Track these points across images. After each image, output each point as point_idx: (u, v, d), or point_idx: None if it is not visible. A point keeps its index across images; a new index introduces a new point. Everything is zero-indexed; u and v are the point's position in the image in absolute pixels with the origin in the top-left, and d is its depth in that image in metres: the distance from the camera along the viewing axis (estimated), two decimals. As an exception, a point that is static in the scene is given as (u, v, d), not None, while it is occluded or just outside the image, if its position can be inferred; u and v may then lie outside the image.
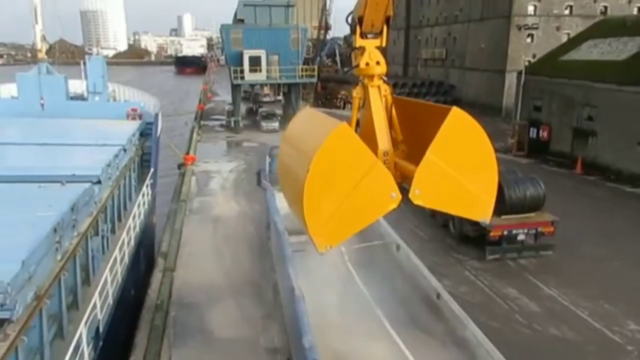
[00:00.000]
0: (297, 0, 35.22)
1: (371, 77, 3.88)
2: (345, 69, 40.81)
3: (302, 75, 31.85)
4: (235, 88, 31.55)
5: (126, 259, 9.66)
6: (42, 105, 15.73)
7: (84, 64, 17.42)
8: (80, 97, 17.75)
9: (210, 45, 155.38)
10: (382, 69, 3.90)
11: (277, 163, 4.26)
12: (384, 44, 3.93)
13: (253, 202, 16.41)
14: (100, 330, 7.58)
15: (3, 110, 15.06)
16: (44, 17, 16.88)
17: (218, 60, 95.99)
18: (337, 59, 60.16)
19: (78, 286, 7.82)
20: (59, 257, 7.04)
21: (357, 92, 3.99)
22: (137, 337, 8.80)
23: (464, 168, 3.42)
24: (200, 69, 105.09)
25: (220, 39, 44.38)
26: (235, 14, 33.16)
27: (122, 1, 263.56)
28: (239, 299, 10.34)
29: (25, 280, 5.51)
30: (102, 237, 9.50)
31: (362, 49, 3.88)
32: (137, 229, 11.22)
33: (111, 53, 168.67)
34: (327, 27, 44.45)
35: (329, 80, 47.20)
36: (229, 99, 36.06)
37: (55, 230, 6.91)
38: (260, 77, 31.11)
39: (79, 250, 7.82)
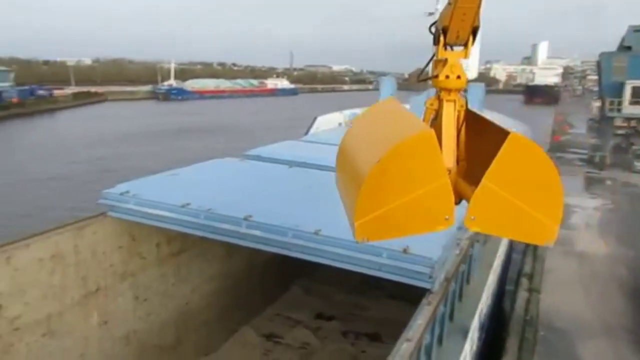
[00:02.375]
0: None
1: (449, 90, 3.52)
2: None
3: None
4: (606, 121, 28.97)
5: (498, 269, 10.37)
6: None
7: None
8: (457, 119, 19.73)
9: (566, 74, 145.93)
10: (461, 83, 3.53)
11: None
12: (468, 57, 3.55)
13: (625, 246, 14.94)
14: (482, 322, 8.43)
15: None
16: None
17: (574, 90, 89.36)
18: None
19: (464, 280, 8.92)
20: (457, 252, 8.23)
21: (431, 103, 3.67)
22: (507, 342, 9.39)
23: (524, 193, 3.13)
24: (551, 98, 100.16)
25: (581, 68, 41.05)
26: (622, 40, 30.36)
27: (479, 33, 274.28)
28: (611, 339, 9.72)
29: (442, 263, 6.72)
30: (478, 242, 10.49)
31: (444, 61, 3.54)
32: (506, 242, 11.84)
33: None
34: None
35: None
36: (584, 132, 33.20)
37: (458, 228, 8.10)
38: (643, 110, 27.58)
39: (470, 250, 8.90)
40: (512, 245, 13.33)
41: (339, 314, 11.85)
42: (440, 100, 3.53)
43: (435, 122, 3.55)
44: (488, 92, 20.35)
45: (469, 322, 6.80)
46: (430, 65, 3.67)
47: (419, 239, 5.81)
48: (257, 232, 6.16)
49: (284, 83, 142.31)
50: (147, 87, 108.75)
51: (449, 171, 3.36)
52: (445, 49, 3.49)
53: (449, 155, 3.45)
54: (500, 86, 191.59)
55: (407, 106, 19.01)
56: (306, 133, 14.48)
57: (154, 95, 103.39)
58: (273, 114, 66.36)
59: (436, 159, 3.06)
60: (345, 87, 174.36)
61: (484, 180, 3.04)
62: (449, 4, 3.36)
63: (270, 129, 49.47)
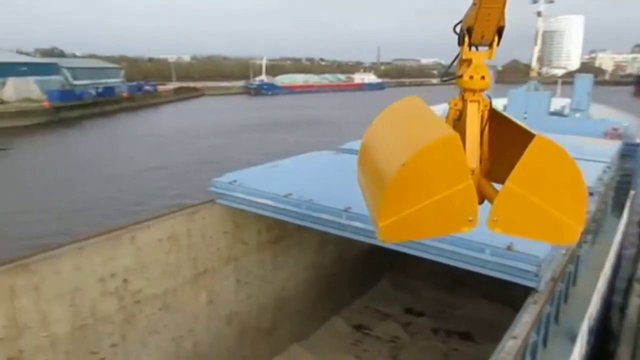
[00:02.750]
0: None
1: (473, 91, 3.45)
2: None
3: None
4: None
5: (608, 272, 9.71)
6: (525, 119, 17.33)
7: (565, 83, 18.15)
8: (559, 114, 18.63)
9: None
10: (486, 84, 3.44)
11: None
12: (493, 57, 3.47)
13: None
14: (591, 327, 7.97)
15: None
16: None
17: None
18: None
19: (570, 281, 8.47)
20: (563, 252, 7.82)
21: (455, 103, 3.61)
22: (618, 350, 8.82)
23: (548, 195, 3.12)
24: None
25: None
26: None
27: (582, 20, 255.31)
28: None
29: (549, 262, 6.44)
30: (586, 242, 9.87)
31: (469, 61, 3.44)
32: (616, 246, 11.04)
33: (560, 72, 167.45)
34: None
35: None
36: None
37: None
38: None
39: (577, 250, 8.42)
40: (622, 248, 12.40)
41: (429, 310, 11.75)
42: (464, 101, 3.51)
43: (459, 122, 3.55)
44: (594, 83, 19.00)
45: (576, 325, 6.51)
46: (456, 64, 3.64)
47: (524, 236, 5.68)
48: (357, 224, 6.31)
49: (371, 77, 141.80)
50: (240, 83, 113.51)
51: (472, 172, 3.35)
52: (470, 49, 3.46)
53: (472, 156, 3.44)
54: (607, 77, 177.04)
55: (504, 101, 18.16)
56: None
57: (247, 90, 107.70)
58: (361, 108, 66.40)
59: (460, 161, 3.07)
60: (434, 80, 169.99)
61: (507, 182, 3.03)
62: (474, 4, 3.33)
63: (357, 122, 49.58)
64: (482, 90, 3.47)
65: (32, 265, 5.61)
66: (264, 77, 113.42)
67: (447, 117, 3.61)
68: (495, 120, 3.56)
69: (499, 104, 20.06)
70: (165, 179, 28.86)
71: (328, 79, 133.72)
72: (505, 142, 3.45)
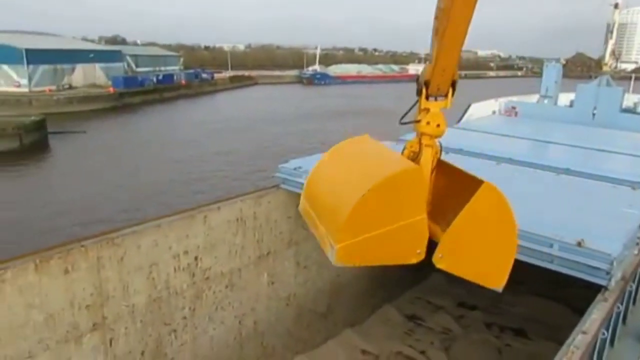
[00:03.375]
0: None
1: (429, 136, 3.82)
2: None
3: None
4: None
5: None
6: (594, 115, 16.67)
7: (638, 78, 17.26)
8: (631, 111, 17.79)
9: None
10: (441, 131, 3.84)
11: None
12: (448, 106, 3.86)
13: None
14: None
15: (557, 116, 16.87)
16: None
17: None
18: None
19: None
20: (635, 252, 7.59)
21: (411, 145, 3.96)
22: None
23: (486, 240, 3.52)
24: None
25: None
26: None
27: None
28: None
29: (620, 261, 6.29)
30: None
31: (427, 110, 3.84)
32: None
33: (630, 67, 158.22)
34: None
35: None
36: None
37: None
38: None
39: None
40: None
41: (482, 305, 11.68)
42: (420, 144, 3.88)
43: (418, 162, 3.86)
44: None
45: None
46: (415, 108, 4.00)
47: (594, 232, 5.62)
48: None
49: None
50: (294, 72, 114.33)
51: None
52: (428, 99, 3.83)
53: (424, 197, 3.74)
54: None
55: (571, 96, 17.36)
56: (459, 120, 14.31)
57: (299, 80, 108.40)
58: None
59: (421, 193, 3.41)
60: (491, 73, 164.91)
61: (455, 222, 3.40)
62: (430, 61, 3.70)
63: None
64: (437, 137, 3.86)
65: (117, 239, 6.09)
66: (317, 67, 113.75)
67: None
68: (445, 169, 4.00)
69: (565, 99, 19.39)
70: (227, 163, 29.78)
71: (381, 69, 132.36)
72: (450, 188, 3.89)
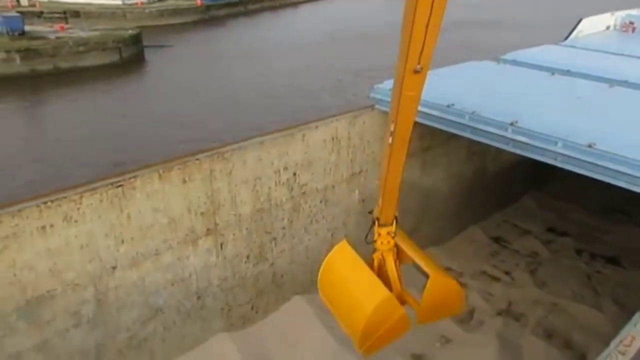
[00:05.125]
0: None
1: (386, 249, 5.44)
2: None
3: None
4: None
5: None
6: None
7: None
8: None
9: None
10: (392, 244, 5.43)
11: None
12: (395, 232, 5.38)
13: None
14: None
15: None
16: None
17: None
18: None
19: None
20: None
21: (376, 256, 5.54)
22: None
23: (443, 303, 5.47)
24: None
25: None
26: None
27: None
28: None
29: None
30: None
31: (379, 234, 5.37)
32: None
33: None
34: None
35: None
36: None
37: None
38: None
39: None
40: None
41: (574, 232, 11.44)
42: (382, 253, 5.45)
43: (384, 266, 5.49)
44: None
45: None
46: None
47: None
48: (523, 138, 6.27)
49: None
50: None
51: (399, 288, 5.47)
52: (379, 226, 5.32)
53: (396, 280, 5.47)
54: None
55: None
56: (567, 37, 13.10)
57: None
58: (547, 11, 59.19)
59: (395, 306, 5.08)
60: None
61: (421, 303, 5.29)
62: (378, 205, 5.20)
63: (545, 26, 44.79)
64: (390, 249, 5.43)
65: (226, 154, 6.60)
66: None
67: (373, 265, 5.52)
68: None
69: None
70: (312, 77, 29.82)
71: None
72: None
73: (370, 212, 5.57)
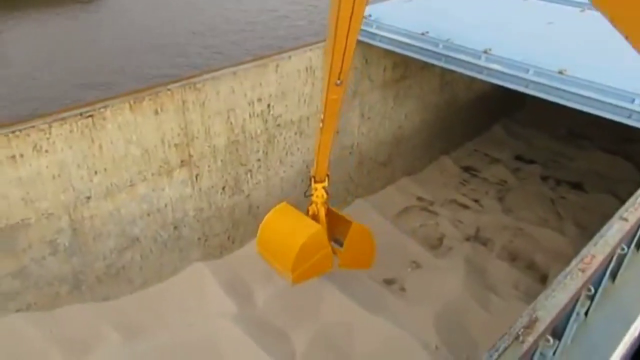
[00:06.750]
0: None
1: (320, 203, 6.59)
2: None
3: None
4: None
5: None
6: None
7: None
8: None
9: None
10: (324, 198, 6.58)
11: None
12: (328, 186, 6.56)
13: None
14: None
15: None
16: None
17: None
18: None
19: None
20: None
21: (312, 209, 6.71)
22: None
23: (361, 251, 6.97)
24: None
25: None
26: None
27: None
28: None
29: None
30: None
31: (316, 189, 6.53)
32: None
33: None
34: None
35: None
36: None
37: None
38: None
39: None
40: None
41: (541, 159, 11.83)
42: (317, 204, 6.61)
43: (318, 215, 6.64)
44: None
45: None
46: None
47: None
48: (496, 66, 6.31)
49: None
50: None
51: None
52: (314, 183, 6.53)
53: (324, 227, 6.49)
54: None
55: None
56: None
57: None
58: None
59: (324, 241, 6.29)
60: None
61: (344, 245, 6.61)
62: (315, 163, 6.38)
63: None
64: (324, 202, 6.57)
65: (198, 84, 6.45)
66: None
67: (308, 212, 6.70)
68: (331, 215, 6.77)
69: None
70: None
71: None
72: (334, 226, 6.76)
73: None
